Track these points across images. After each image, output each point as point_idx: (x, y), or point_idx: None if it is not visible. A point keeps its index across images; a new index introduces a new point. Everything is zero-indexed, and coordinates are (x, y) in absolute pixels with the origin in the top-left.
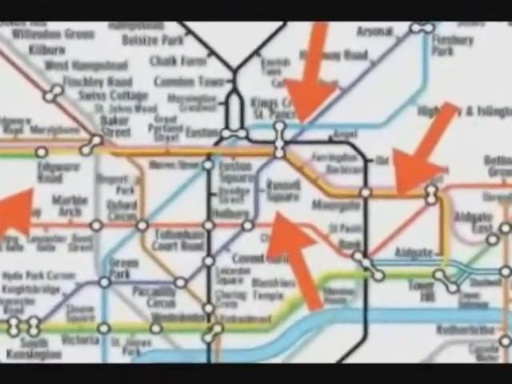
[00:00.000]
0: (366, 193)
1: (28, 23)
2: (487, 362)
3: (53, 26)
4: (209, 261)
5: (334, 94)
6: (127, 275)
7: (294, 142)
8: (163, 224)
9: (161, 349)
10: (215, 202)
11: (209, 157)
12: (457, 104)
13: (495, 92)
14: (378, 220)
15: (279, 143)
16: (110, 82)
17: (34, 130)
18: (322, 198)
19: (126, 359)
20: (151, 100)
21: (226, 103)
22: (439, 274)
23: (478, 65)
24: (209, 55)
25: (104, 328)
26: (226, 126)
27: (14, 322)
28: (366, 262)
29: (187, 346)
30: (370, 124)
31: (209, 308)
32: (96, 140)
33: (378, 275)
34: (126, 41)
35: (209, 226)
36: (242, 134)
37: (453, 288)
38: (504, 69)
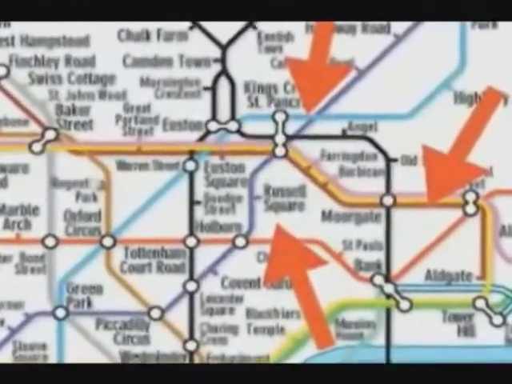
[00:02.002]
0: (388, 201)
1: None
2: None
3: None
4: (191, 286)
5: (348, 77)
6: (89, 304)
7: (298, 136)
8: (134, 240)
9: None
10: (199, 212)
11: (191, 155)
12: (502, 89)
13: None
14: (404, 235)
15: (280, 138)
16: (68, 61)
17: None
18: (334, 207)
19: None
20: (119, 84)
21: (213, 88)
22: (481, 303)
23: None
24: (191, 28)
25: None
26: (213, 117)
27: None
28: (389, 288)
29: None
30: (393, 114)
31: (191, 345)
32: (50, 134)
33: (404, 304)
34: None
35: (191, 242)
36: (232, 126)
37: (498, 320)
38: None
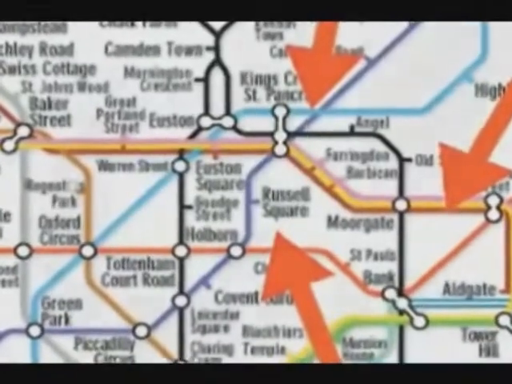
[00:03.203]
0: (401, 205)
1: None
2: None
3: None
4: (181, 301)
5: (357, 67)
6: (67, 321)
7: (301, 133)
8: (117, 249)
9: None
10: (190, 218)
11: (181, 155)
12: None
13: None
14: (419, 243)
15: (280, 136)
16: (43, 49)
17: None
18: (341, 212)
19: None
20: (100, 75)
21: (206, 80)
22: (505, 320)
23: None
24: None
25: None
26: (206, 112)
27: None
28: (402, 303)
29: None
30: (406, 109)
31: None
32: (23, 131)
33: (419, 321)
34: None
35: (181, 252)
36: (227, 122)
37: None
38: None
